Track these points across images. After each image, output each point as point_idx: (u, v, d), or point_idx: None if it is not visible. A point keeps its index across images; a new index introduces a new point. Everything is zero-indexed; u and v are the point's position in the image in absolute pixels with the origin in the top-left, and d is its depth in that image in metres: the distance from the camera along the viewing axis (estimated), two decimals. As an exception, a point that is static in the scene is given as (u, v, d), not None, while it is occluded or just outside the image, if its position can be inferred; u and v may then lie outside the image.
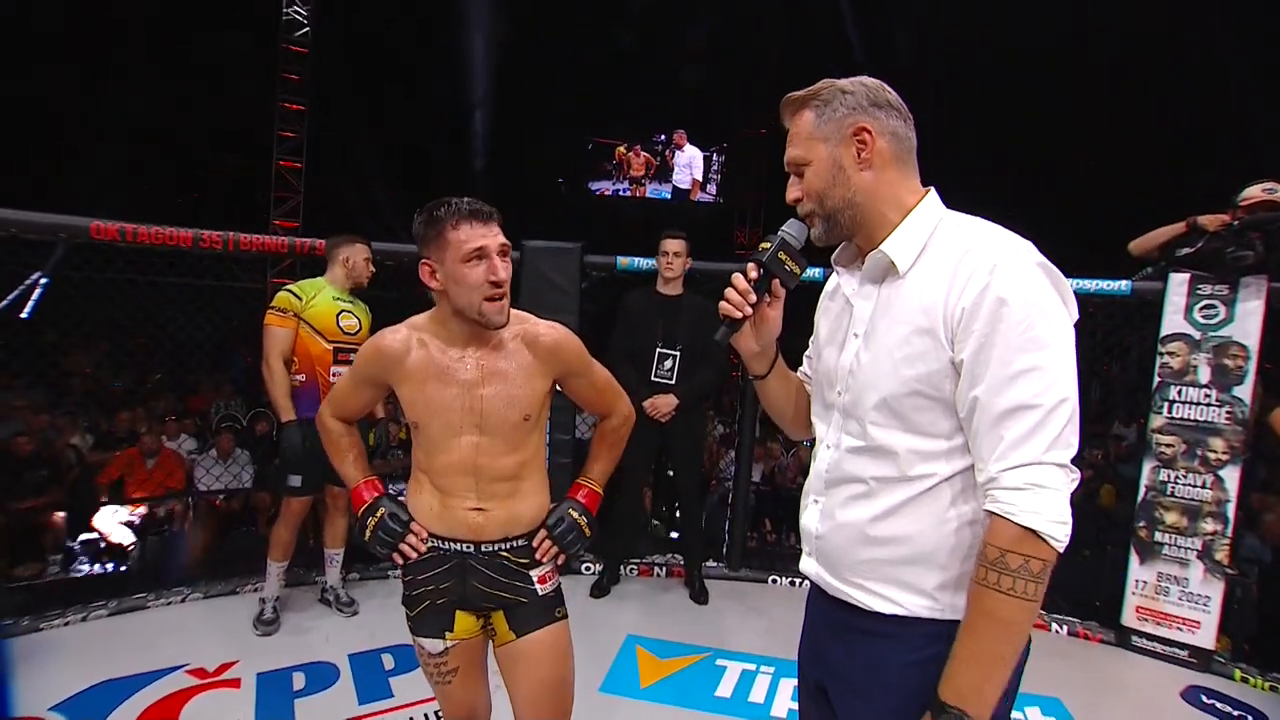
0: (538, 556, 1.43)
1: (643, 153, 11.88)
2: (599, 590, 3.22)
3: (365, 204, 10.02)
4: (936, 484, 0.92)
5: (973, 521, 0.91)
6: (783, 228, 1.03)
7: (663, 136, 11.88)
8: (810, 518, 1.04)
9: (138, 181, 9.78)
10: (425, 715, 2.21)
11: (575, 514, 1.46)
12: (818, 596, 1.08)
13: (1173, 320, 2.87)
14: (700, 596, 3.22)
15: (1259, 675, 2.76)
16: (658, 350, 3.07)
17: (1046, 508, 0.81)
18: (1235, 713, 2.54)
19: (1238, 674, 2.78)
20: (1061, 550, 0.82)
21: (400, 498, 1.46)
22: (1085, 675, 2.73)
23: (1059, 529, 0.81)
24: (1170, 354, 2.87)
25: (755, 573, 3.52)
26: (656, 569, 3.50)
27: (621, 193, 12.02)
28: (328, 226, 3.01)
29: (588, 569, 3.42)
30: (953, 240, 0.91)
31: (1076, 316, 0.88)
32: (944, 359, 0.88)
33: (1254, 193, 2.71)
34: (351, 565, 3.11)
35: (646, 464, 3.40)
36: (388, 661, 2.52)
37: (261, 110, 9.15)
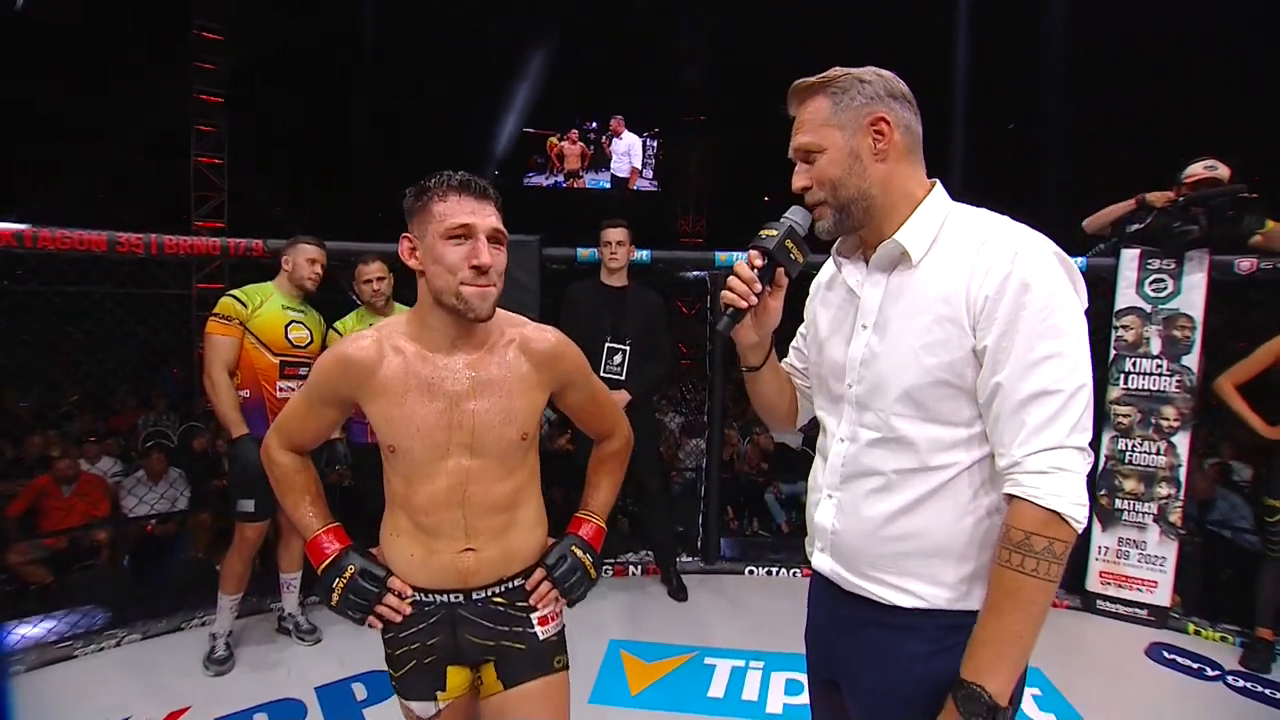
0: (532, 601, 1.23)
1: (578, 142, 11.59)
2: (576, 595, 3.11)
3: (288, 202, 9.50)
4: (957, 474, 0.92)
5: (992, 512, 0.92)
6: (788, 215, 1.00)
7: (594, 124, 11.65)
8: (824, 513, 1.03)
9: (33, 182, 8.95)
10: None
11: (579, 552, 1.26)
12: (828, 592, 1.06)
13: (1126, 294, 2.97)
14: (679, 593, 3.16)
15: (1209, 627, 2.91)
16: (606, 345, 2.97)
17: (1069, 490, 0.82)
18: (1195, 665, 2.66)
19: (1191, 627, 2.92)
20: (1080, 531, 0.84)
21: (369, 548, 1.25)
22: (1057, 642, 2.80)
23: (1080, 510, 0.83)
24: (1124, 327, 2.97)
25: (732, 564, 3.48)
26: (631, 568, 3.42)
27: (559, 185, 11.74)
28: (254, 227, 2.78)
29: (562, 573, 3.30)
30: (966, 230, 0.92)
31: (1086, 304, 0.90)
32: (966, 346, 0.88)
33: (1196, 170, 2.82)
34: (311, 589, 2.91)
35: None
36: (359, 691, 2.35)
37: (175, 102, 8.51)
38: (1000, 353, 0.85)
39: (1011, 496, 0.86)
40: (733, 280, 0.98)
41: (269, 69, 9.55)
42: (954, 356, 0.89)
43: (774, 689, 2.40)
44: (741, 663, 2.57)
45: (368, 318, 2.82)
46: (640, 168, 11.75)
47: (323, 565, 1.18)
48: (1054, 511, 0.82)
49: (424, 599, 1.20)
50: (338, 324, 2.80)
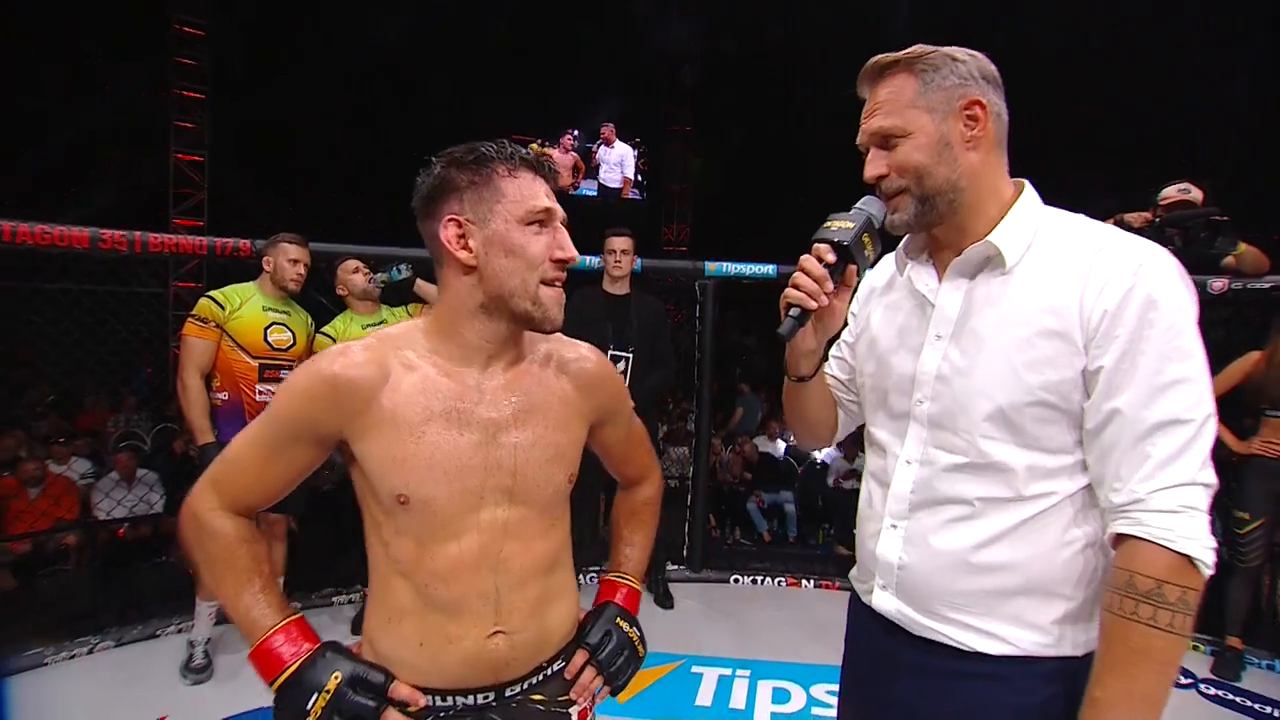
0: (574, 693, 0.97)
1: (570, 151, 11.31)
2: (561, 603, 3.10)
3: (270, 201, 9.36)
4: (1056, 503, 0.82)
5: (1089, 545, 0.83)
6: (861, 204, 0.89)
7: (575, 132, 11.55)
8: (888, 546, 0.91)
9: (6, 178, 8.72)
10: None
11: (625, 625, 1.03)
12: (888, 635, 0.92)
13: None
14: (665, 601, 3.16)
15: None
16: (610, 352, 2.99)
17: (1200, 532, 0.73)
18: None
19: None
20: (1208, 578, 0.74)
21: (348, 643, 0.91)
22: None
23: (1211, 556, 0.73)
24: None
25: (717, 573, 3.50)
26: (618, 576, 3.41)
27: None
28: (233, 225, 2.71)
29: (547, 581, 3.29)
30: (1072, 236, 0.83)
31: None
32: (1076, 366, 0.78)
33: (1170, 193, 2.92)
34: (291, 595, 2.85)
35: (601, 470, 3.30)
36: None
37: (154, 98, 8.36)
38: (1120, 375, 0.76)
39: (1130, 537, 0.75)
40: (800, 278, 0.87)
41: (251, 66, 9.42)
42: (1061, 376, 0.79)
43: (761, 698, 2.41)
44: (728, 671, 2.57)
45: (358, 319, 2.77)
46: (633, 178, 11.57)
47: (283, 676, 0.84)
48: (1187, 556, 0.72)
49: (440, 704, 0.89)
50: (327, 328, 2.72)
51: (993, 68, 0.86)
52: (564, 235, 0.90)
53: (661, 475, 1.21)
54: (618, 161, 11.53)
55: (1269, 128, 7.34)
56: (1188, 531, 0.73)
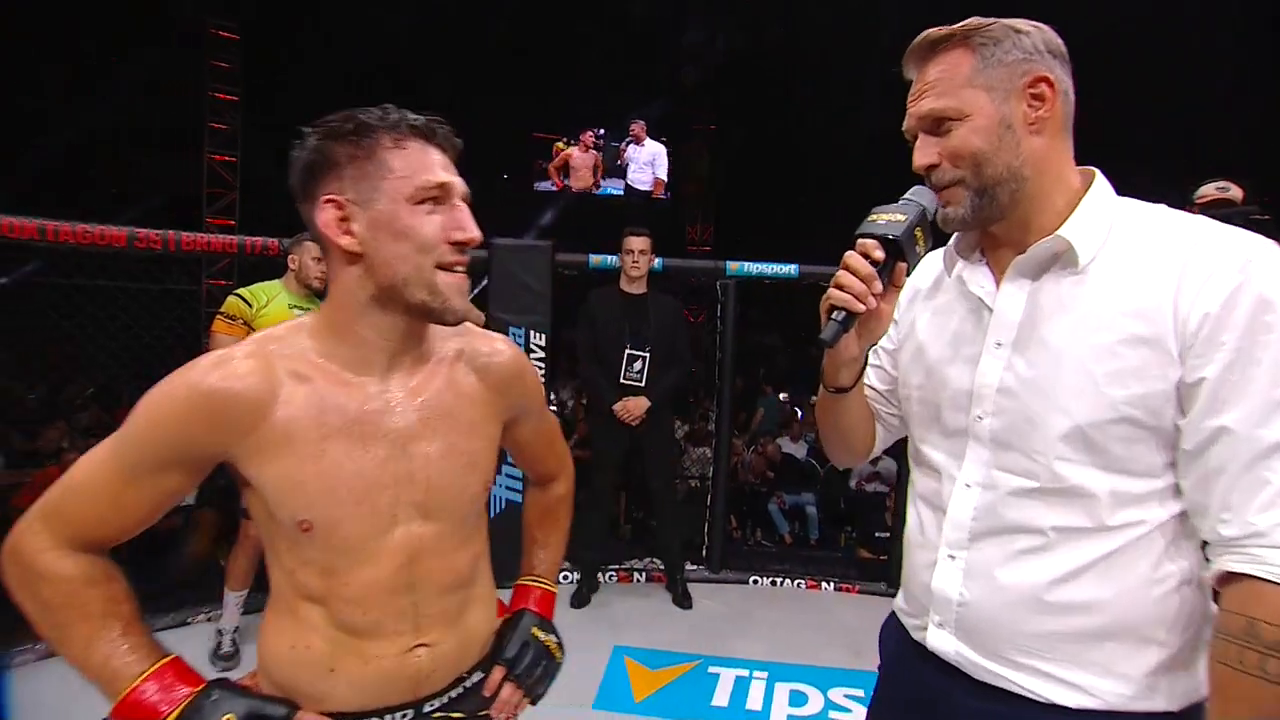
0: (494, 710, 0.92)
1: (590, 149, 10.98)
2: (579, 600, 3.12)
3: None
4: (1145, 534, 0.72)
5: (1189, 580, 0.73)
6: (912, 195, 0.79)
7: (603, 131, 11.39)
8: (946, 579, 0.81)
9: (47, 179, 9.02)
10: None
11: (541, 635, 0.96)
12: (944, 676, 0.82)
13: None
14: (684, 601, 3.16)
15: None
16: (627, 352, 2.99)
17: None
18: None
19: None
20: None
21: (233, 677, 0.84)
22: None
23: None
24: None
25: (736, 574, 3.48)
26: (636, 574, 3.42)
27: (575, 188, 11.30)
28: (266, 225, 2.74)
29: (565, 577, 3.31)
30: (1156, 229, 0.73)
31: None
32: (1171, 378, 0.69)
33: (1208, 191, 2.83)
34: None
35: (617, 467, 3.34)
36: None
37: (190, 100, 8.59)
38: (1229, 388, 0.66)
39: (1247, 577, 0.65)
40: (845, 277, 0.76)
41: (283, 67, 9.62)
42: (1150, 389, 0.69)
43: (778, 700, 2.40)
44: (745, 672, 2.56)
45: (289, 297, 2.62)
46: (665, 179, 11.10)
47: None
48: None
49: None
50: (244, 291, 2.54)
51: (1059, 41, 0.76)
52: (463, 213, 0.78)
53: (573, 471, 1.13)
54: (648, 161, 11.06)
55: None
56: None
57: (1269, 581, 0.64)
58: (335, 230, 0.76)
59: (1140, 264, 0.72)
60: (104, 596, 0.75)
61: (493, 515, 3.17)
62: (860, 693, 2.41)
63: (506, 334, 3.12)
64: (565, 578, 3.30)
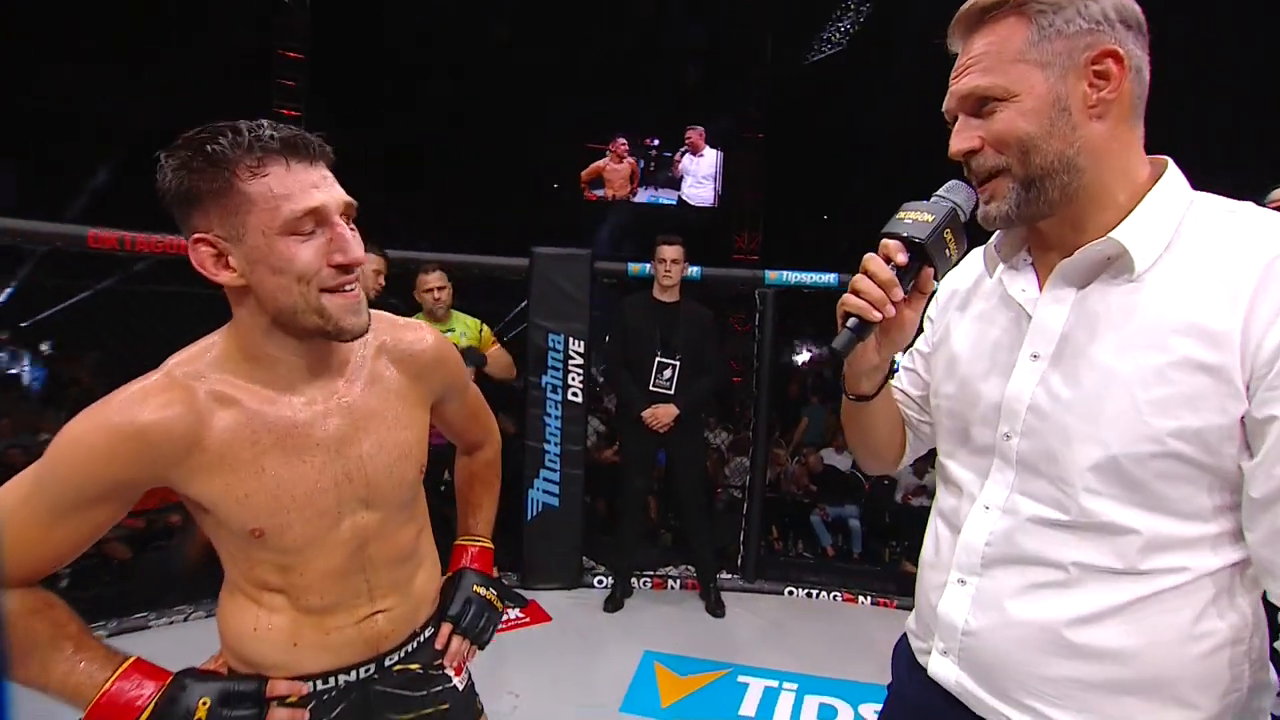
0: (447, 661, 1.02)
1: (625, 159, 10.77)
2: (612, 604, 3.15)
3: (367, 210, 9.94)
4: (1189, 583, 0.64)
5: (1239, 641, 0.65)
6: (944, 192, 0.72)
7: (657, 141, 11.45)
8: (954, 604, 0.76)
9: (125, 184, 9.70)
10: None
11: (480, 589, 1.06)
12: (940, 700, 0.78)
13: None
14: (716, 609, 3.15)
15: None
16: (657, 359, 3.01)
17: None
18: None
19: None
20: None
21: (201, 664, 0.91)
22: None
23: None
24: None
25: (771, 584, 3.45)
26: (670, 581, 3.42)
27: (611, 198, 11.21)
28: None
29: (600, 582, 3.35)
30: (1239, 233, 0.63)
31: None
32: (1232, 412, 0.60)
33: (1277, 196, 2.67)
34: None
35: (648, 474, 3.37)
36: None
37: (255, 115, 9.12)
38: None
39: None
40: (862, 281, 0.70)
41: (345, 82, 10.08)
42: (1205, 422, 0.60)
43: (807, 712, 2.37)
44: (775, 683, 2.54)
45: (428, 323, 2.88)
46: (720, 192, 10.87)
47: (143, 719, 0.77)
48: None
49: (324, 687, 0.90)
50: None
51: (1135, 8, 0.66)
52: (341, 232, 0.76)
53: (499, 437, 1.19)
54: (709, 174, 10.69)
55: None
56: None
57: None
58: (212, 269, 0.75)
59: (1209, 276, 0.62)
60: (49, 622, 0.77)
61: (529, 518, 3.24)
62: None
63: (547, 340, 3.21)
64: (599, 582, 3.34)
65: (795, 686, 2.52)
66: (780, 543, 5.04)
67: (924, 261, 0.70)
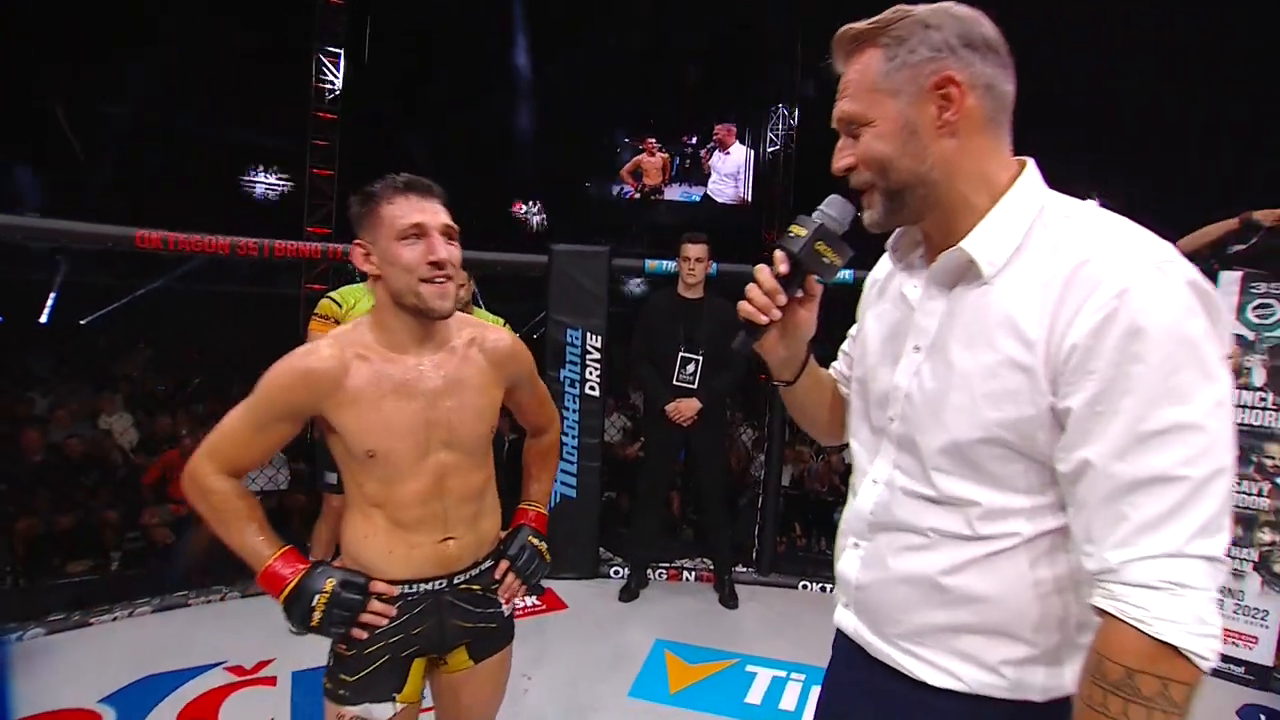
0: (500, 592, 1.30)
1: (658, 153, 11.01)
2: (627, 594, 3.21)
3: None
4: (1016, 545, 0.73)
5: (1062, 588, 0.73)
6: (821, 208, 0.81)
7: (694, 139, 11.45)
8: (849, 564, 0.87)
9: (174, 190, 10.12)
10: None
11: (535, 541, 1.33)
12: (849, 652, 0.90)
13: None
14: (729, 601, 3.19)
15: (1321, 693, 2.62)
16: (680, 354, 3.06)
17: (1188, 615, 0.60)
18: (1295, 732, 2.42)
19: (1296, 691, 2.64)
20: (1209, 670, 0.61)
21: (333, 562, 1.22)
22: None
23: (1209, 643, 0.61)
24: (1222, 355, 2.75)
25: (785, 578, 3.47)
26: (685, 573, 3.47)
27: (637, 194, 11.35)
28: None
29: (616, 573, 3.42)
30: (1064, 240, 0.69)
31: (1229, 350, 0.67)
32: (1041, 405, 0.68)
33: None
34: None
35: (670, 468, 3.41)
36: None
37: (296, 120, 9.40)
38: (1093, 420, 0.64)
39: (1104, 614, 0.65)
40: (752, 290, 0.81)
41: (382, 86, 10.34)
42: (1021, 414, 0.69)
43: (812, 701, 2.39)
44: (783, 673, 2.57)
45: (370, 300, 2.79)
46: (742, 187, 10.99)
47: (287, 590, 1.11)
48: (1167, 644, 0.60)
49: (409, 591, 1.19)
50: (335, 294, 2.73)
51: (983, 29, 0.72)
52: (435, 241, 1.11)
53: (560, 425, 1.50)
54: (732, 172, 10.86)
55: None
56: (1168, 613, 0.61)
57: (1117, 619, 0.63)
58: (361, 262, 1.15)
59: (1036, 281, 0.69)
60: (247, 504, 1.16)
61: (550, 507, 3.31)
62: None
63: (565, 335, 3.29)
64: (615, 572, 3.41)
65: (803, 677, 2.55)
66: (804, 539, 5.05)
67: (804, 270, 0.81)
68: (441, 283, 1.11)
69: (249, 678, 2.41)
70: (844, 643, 0.91)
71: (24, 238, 2.57)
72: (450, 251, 1.12)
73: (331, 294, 2.79)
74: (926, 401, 0.77)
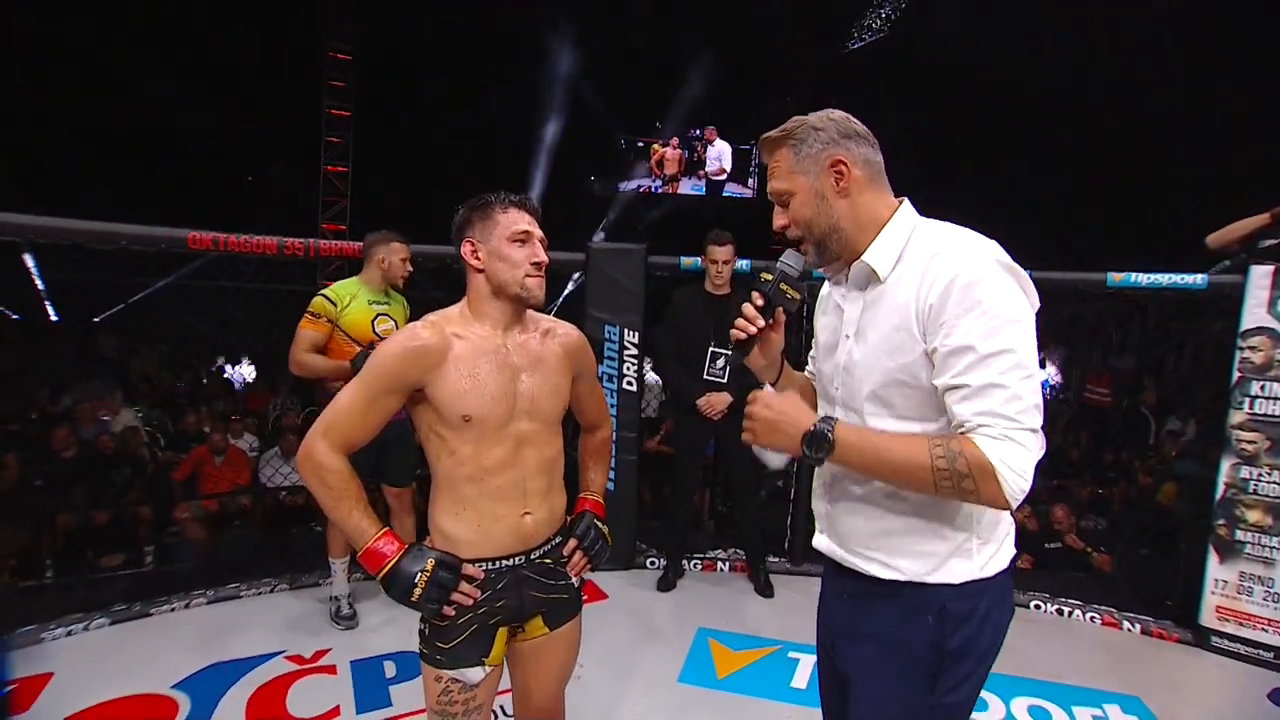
0: (569, 568, 1.44)
1: (679, 148, 11.88)
2: (665, 584, 3.28)
3: (407, 206, 10.22)
4: None
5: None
6: (781, 258, 1.15)
7: (698, 132, 11.88)
8: (820, 500, 1.21)
9: (187, 189, 10.13)
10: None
11: (600, 525, 1.49)
12: (829, 568, 1.22)
13: (1255, 314, 2.81)
14: (766, 590, 3.26)
15: (1346, 676, 2.69)
16: (710, 349, 3.11)
17: (1013, 457, 0.92)
18: (1325, 715, 2.49)
19: (1327, 676, 2.71)
20: (1013, 506, 0.95)
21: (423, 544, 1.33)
22: (1164, 675, 2.69)
23: (1019, 481, 0.92)
24: (1252, 349, 2.81)
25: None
26: (720, 564, 3.54)
27: (654, 189, 11.97)
28: (372, 229, 2.91)
29: (652, 563, 3.48)
30: (925, 246, 1.03)
31: (1037, 305, 1.01)
32: (919, 350, 1.00)
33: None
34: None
35: (700, 461, 3.47)
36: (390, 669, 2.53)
37: (309, 117, 9.42)
38: (951, 354, 0.96)
39: (965, 436, 0.95)
40: (740, 320, 1.15)
41: (391, 82, 10.33)
42: (909, 359, 1.01)
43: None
44: (827, 660, 2.63)
45: (366, 293, 2.81)
46: (727, 169, 11.98)
47: (386, 568, 1.24)
48: (992, 464, 0.92)
49: (491, 568, 1.33)
50: (328, 290, 2.77)
51: (854, 125, 1.09)
52: (538, 247, 1.34)
53: (611, 424, 1.66)
54: (716, 156, 12.12)
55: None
56: (1000, 452, 0.92)
57: (970, 439, 0.95)
58: (469, 255, 1.34)
59: (910, 275, 1.02)
60: (357, 485, 1.28)
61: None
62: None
63: (603, 331, 3.34)
64: (651, 563, 3.48)
65: (846, 663, 2.61)
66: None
67: (773, 304, 1.14)
68: (539, 277, 1.33)
69: (309, 666, 2.48)
70: (824, 560, 1.22)
71: (85, 240, 2.62)
72: (546, 258, 1.35)
73: (325, 292, 2.76)
74: (856, 368, 1.09)
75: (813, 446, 1.02)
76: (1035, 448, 0.94)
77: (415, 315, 2.75)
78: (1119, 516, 4.47)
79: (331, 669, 2.46)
